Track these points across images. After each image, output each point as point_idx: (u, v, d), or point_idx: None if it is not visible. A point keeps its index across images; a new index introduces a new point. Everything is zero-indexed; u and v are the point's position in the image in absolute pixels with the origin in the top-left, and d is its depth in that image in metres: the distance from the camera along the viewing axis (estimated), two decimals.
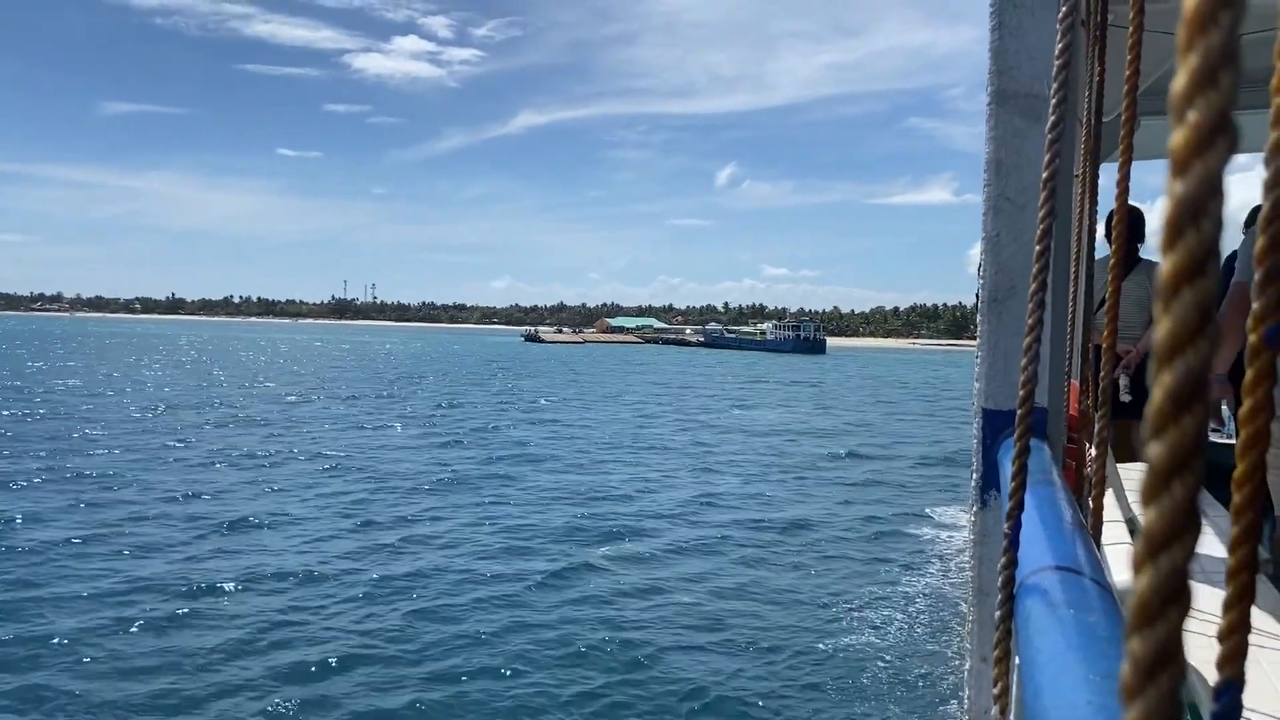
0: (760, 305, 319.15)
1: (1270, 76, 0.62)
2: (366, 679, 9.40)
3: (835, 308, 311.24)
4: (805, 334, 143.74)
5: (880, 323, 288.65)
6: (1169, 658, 0.32)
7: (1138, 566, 0.32)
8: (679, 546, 15.18)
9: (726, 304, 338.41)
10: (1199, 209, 0.32)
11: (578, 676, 9.54)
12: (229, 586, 12.20)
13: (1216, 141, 0.32)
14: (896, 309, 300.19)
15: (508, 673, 9.55)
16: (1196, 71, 0.32)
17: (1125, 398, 6.69)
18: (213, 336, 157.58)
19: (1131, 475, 5.33)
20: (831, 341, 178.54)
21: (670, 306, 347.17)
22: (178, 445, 25.63)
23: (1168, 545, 0.32)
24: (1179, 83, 0.33)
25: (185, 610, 11.18)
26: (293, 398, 42.49)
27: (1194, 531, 0.32)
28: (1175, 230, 0.32)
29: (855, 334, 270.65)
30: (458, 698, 8.97)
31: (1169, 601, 0.32)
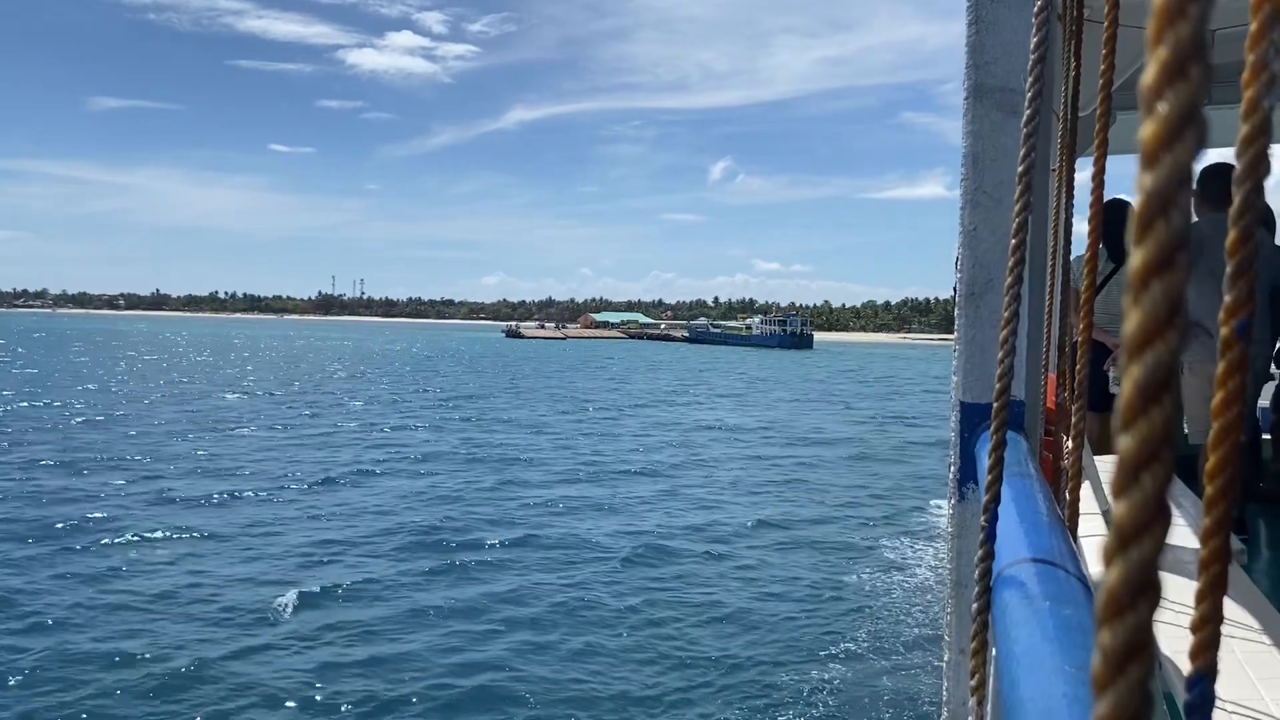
0: (750, 300, 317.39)
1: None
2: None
3: (826, 302, 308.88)
4: (792, 329, 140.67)
5: (871, 317, 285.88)
6: (1139, 649, 0.32)
7: (1108, 559, 0.32)
8: (595, 549, 14.83)
9: (716, 299, 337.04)
10: (1168, 201, 0.32)
11: (561, 677, 9.47)
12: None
13: (1185, 134, 0.32)
14: (888, 303, 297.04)
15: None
16: (1166, 64, 0.32)
17: (1115, 389, 6.75)
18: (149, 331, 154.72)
19: (1109, 468, 5.37)
20: (821, 336, 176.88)
21: (660, 302, 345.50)
22: None
23: (1138, 537, 0.32)
24: (1148, 76, 0.33)
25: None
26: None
27: (1164, 523, 0.32)
28: (1145, 223, 0.32)
29: (846, 328, 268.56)
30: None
31: (1139, 593, 0.32)
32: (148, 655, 9.67)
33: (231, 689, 8.94)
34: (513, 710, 8.68)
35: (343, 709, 8.60)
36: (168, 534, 14.80)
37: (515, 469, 22.41)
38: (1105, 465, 5.48)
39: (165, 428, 28.88)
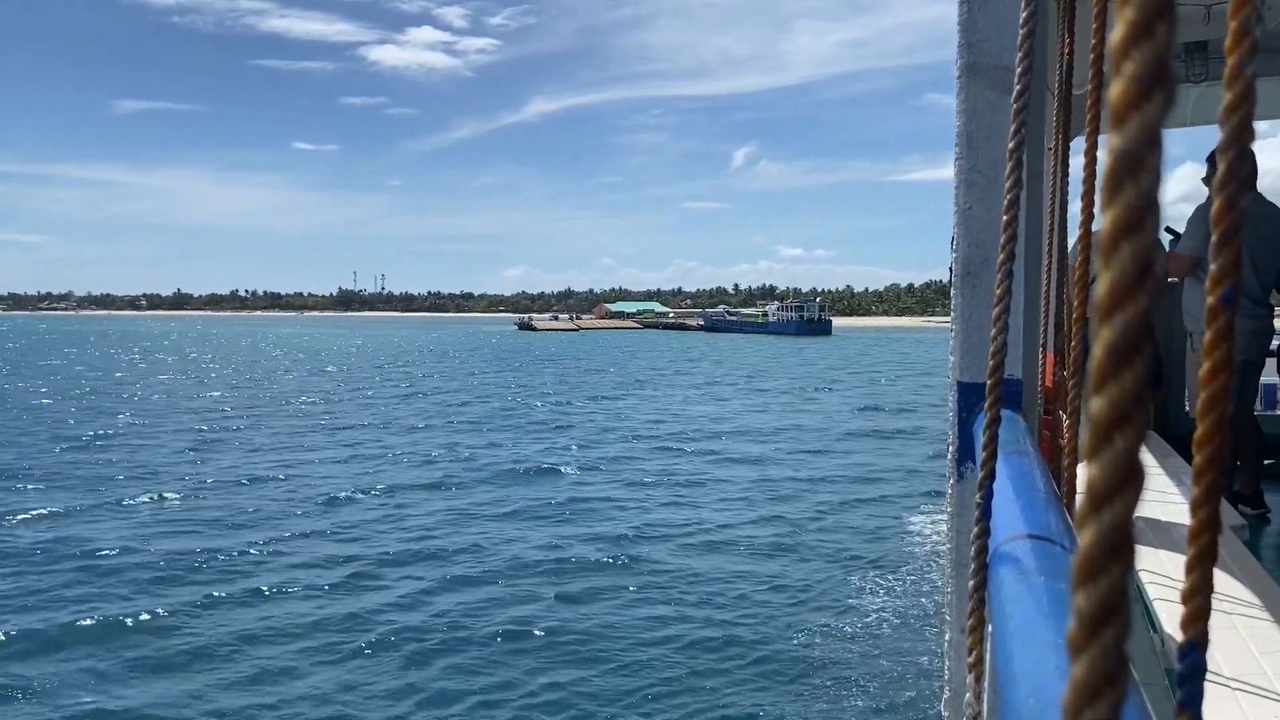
0: (771, 286, 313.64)
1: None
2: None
3: (848, 287, 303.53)
4: (809, 314, 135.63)
5: (894, 301, 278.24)
6: (1113, 612, 0.32)
7: (1081, 522, 0.32)
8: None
9: (737, 286, 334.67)
10: (1137, 162, 0.32)
11: (540, 675, 9.34)
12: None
13: (1153, 94, 0.32)
14: (911, 286, 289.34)
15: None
16: (1132, 24, 0.32)
17: None
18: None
19: None
20: (841, 322, 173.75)
21: (679, 290, 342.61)
22: None
23: (1110, 499, 0.32)
24: (1115, 36, 0.32)
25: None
26: None
27: (1137, 485, 0.32)
28: (1114, 184, 0.32)
29: (868, 313, 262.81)
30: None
31: (1112, 555, 0.32)
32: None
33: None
34: (509, 704, 8.71)
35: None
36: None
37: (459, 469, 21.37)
38: None
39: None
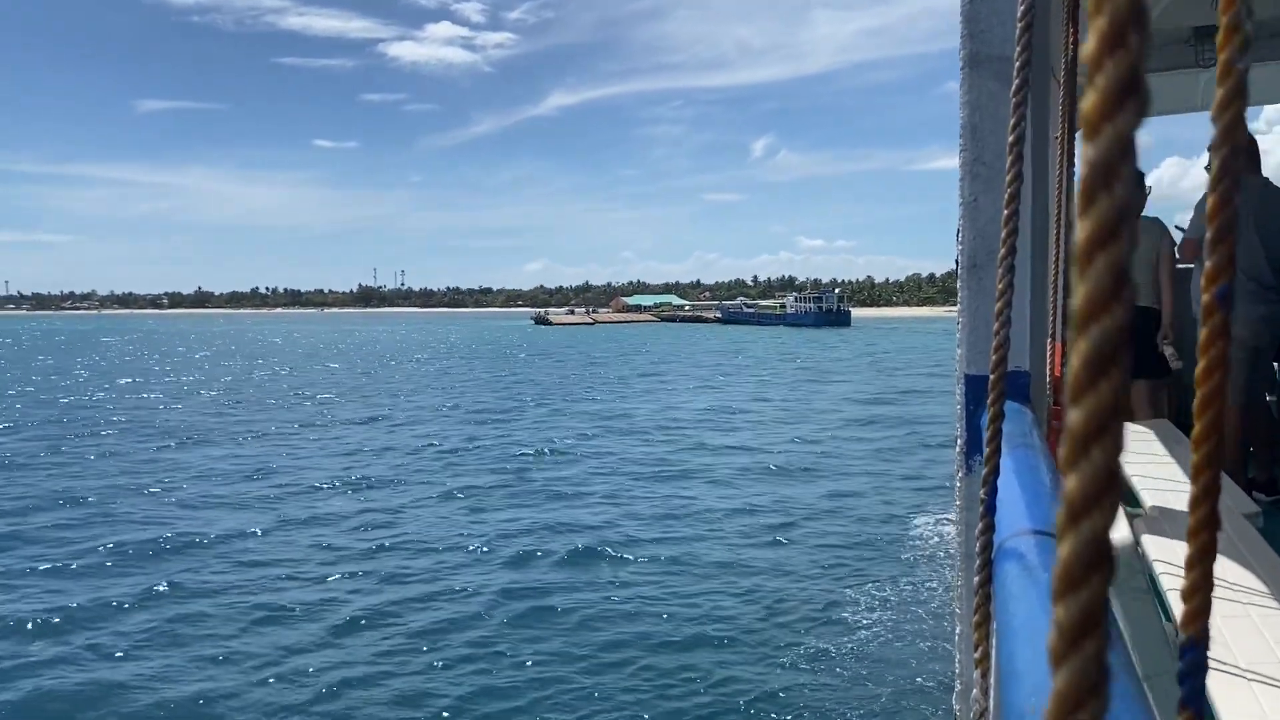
0: (791, 278, 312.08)
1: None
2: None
3: (869, 277, 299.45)
4: (828, 305, 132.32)
5: (914, 291, 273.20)
6: (1093, 624, 0.32)
7: (1060, 534, 0.32)
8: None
9: (756, 277, 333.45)
10: (1111, 172, 0.32)
11: (549, 676, 9.31)
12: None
13: (1126, 104, 0.32)
14: (932, 276, 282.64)
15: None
16: (1105, 33, 0.32)
17: (1175, 365, 6.82)
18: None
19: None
20: (861, 312, 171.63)
21: (698, 282, 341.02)
22: None
23: (1088, 511, 0.32)
24: (1089, 45, 0.32)
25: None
26: None
27: (1115, 497, 0.32)
28: (1088, 195, 0.32)
29: (889, 303, 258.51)
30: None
31: (1091, 568, 0.32)
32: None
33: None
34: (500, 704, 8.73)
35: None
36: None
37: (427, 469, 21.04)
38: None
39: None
